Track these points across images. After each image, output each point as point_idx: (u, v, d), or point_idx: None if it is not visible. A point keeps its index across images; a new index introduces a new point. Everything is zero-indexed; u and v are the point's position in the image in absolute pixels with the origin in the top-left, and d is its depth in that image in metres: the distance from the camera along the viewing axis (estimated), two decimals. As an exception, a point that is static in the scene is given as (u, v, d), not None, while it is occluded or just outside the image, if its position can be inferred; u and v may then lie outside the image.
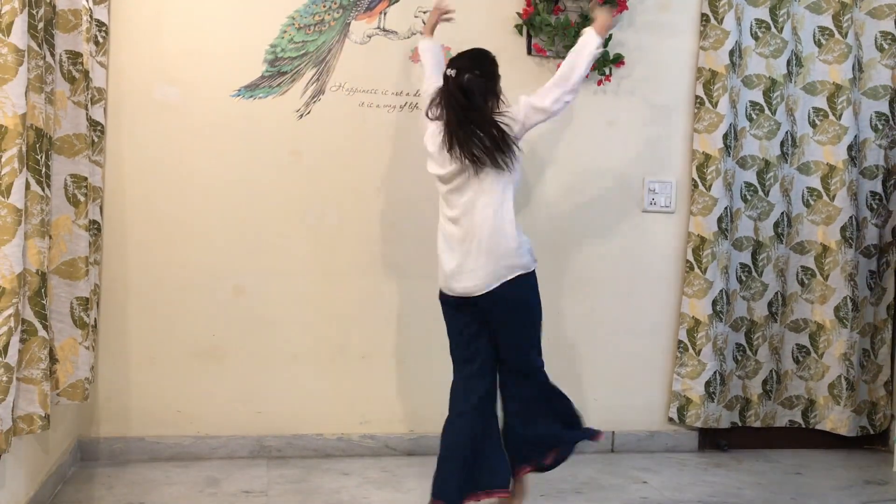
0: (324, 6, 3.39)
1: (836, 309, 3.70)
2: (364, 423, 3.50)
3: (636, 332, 3.69)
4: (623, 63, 3.55)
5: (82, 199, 2.71)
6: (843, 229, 3.68)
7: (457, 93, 2.68)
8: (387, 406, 3.50)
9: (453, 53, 3.44)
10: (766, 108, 3.68)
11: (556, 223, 3.61)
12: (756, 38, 3.66)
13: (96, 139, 3.07)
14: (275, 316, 3.40)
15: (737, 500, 3.11)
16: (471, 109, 2.67)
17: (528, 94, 2.74)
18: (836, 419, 3.73)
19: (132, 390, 3.32)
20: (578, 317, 3.64)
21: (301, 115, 3.39)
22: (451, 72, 2.71)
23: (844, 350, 3.69)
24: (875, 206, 3.76)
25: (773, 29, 3.66)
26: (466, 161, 2.64)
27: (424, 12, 3.44)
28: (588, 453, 3.63)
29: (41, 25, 2.34)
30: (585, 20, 3.45)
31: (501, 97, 2.77)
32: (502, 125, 2.66)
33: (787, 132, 3.72)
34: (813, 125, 3.73)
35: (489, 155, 2.63)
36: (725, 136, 3.60)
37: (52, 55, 2.51)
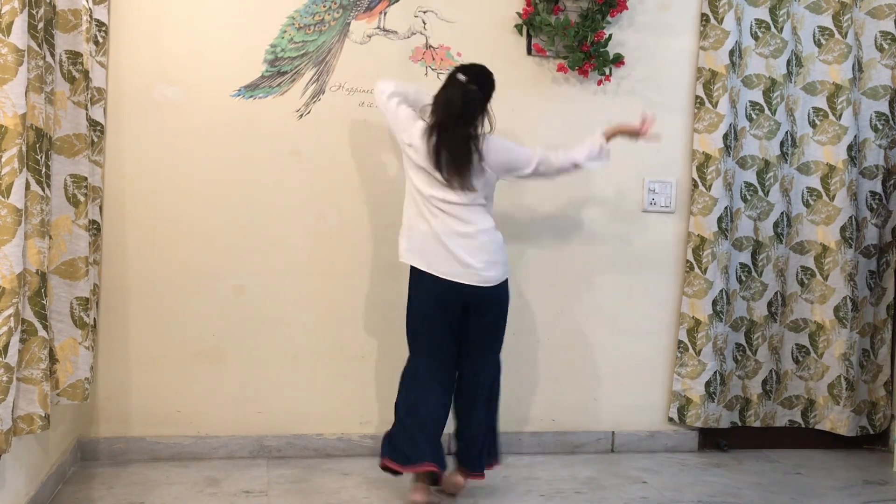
0: (324, 6, 3.39)
1: (836, 309, 3.70)
2: (364, 423, 3.50)
3: (636, 332, 3.69)
4: (623, 63, 3.55)
5: (82, 199, 2.71)
6: (842, 229, 3.68)
7: (459, 100, 2.86)
8: (387, 406, 3.48)
9: (453, 53, 3.47)
10: (766, 108, 3.68)
11: (555, 223, 3.61)
12: (756, 38, 3.66)
13: (96, 139, 3.08)
14: (275, 316, 3.40)
15: (737, 500, 3.11)
16: (463, 122, 2.85)
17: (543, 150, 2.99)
18: (836, 419, 3.73)
19: (132, 390, 3.32)
20: (578, 317, 3.64)
21: (301, 115, 3.39)
22: (464, 77, 2.87)
23: (844, 350, 3.69)
24: (875, 206, 3.76)
25: (773, 29, 3.66)
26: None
27: (424, 12, 3.44)
28: (588, 453, 3.63)
29: (41, 25, 2.34)
30: (585, 20, 3.46)
31: (488, 116, 2.93)
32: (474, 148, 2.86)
33: (786, 132, 3.72)
34: (813, 125, 3.73)
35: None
36: (725, 136, 3.60)
37: (52, 55, 2.51)
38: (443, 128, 2.84)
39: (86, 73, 2.74)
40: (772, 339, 3.76)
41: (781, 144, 3.71)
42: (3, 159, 2.11)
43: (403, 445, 2.86)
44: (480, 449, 2.96)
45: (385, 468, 2.92)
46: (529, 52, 3.52)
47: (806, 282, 3.76)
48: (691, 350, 3.65)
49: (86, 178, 2.73)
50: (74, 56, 2.65)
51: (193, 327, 3.34)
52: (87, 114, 2.76)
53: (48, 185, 2.42)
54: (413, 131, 2.89)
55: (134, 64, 3.26)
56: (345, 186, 3.43)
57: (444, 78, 3.46)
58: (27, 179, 2.26)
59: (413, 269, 2.91)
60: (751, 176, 3.70)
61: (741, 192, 3.70)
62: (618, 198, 3.65)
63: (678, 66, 3.66)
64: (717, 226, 3.61)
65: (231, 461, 3.35)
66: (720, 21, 3.58)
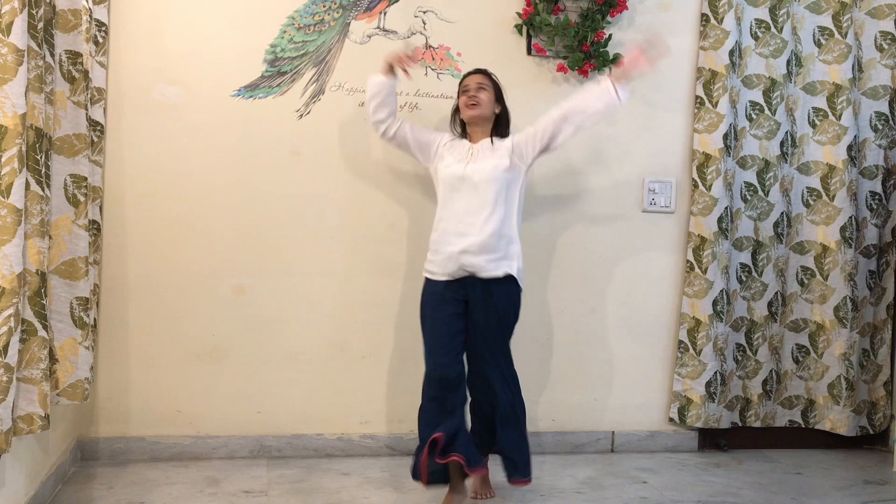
0: (324, 6, 3.39)
1: (836, 309, 3.70)
2: (364, 423, 3.50)
3: (636, 332, 3.69)
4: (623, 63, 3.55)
5: (82, 199, 2.71)
6: (842, 229, 3.68)
7: None
8: (387, 406, 3.50)
9: (453, 53, 3.47)
10: (765, 108, 3.68)
11: (555, 223, 3.61)
12: (756, 38, 3.66)
13: (96, 139, 3.08)
14: (275, 316, 3.40)
15: (737, 500, 3.11)
16: None
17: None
18: (836, 419, 3.73)
19: (132, 390, 3.32)
20: (578, 317, 3.64)
21: (301, 115, 3.39)
22: None
23: (844, 350, 3.69)
24: (875, 206, 3.76)
25: (773, 29, 3.66)
26: None
27: (424, 12, 3.45)
28: (588, 453, 3.63)
29: (41, 25, 2.34)
30: (585, 20, 3.46)
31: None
32: None
33: (786, 132, 3.72)
34: (813, 125, 3.73)
35: None
36: (725, 136, 3.60)
37: (52, 55, 2.51)
38: None
39: (86, 73, 2.74)
40: (772, 339, 3.76)
41: (781, 144, 3.71)
42: (3, 159, 2.11)
43: None
44: None
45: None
46: (529, 52, 3.52)
47: (806, 282, 3.76)
48: (692, 350, 3.65)
49: (86, 178, 2.73)
50: (74, 56, 2.65)
51: (193, 327, 3.35)
52: (87, 114, 2.76)
53: (48, 185, 2.42)
54: None
55: (134, 64, 3.26)
56: (345, 186, 3.43)
57: (444, 78, 3.48)
58: (27, 179, 2.26)
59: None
60: (751, 176, 3.70)
61: (741, 192, 3.70)
62: (618, 198, 3.65)
63: (678, 66, 3.66)
64: (718, 226, 3.61)
65: (231, 461, 3.35)
66: (720, 21, 3.58)
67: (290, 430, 3.44)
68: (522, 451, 2.89)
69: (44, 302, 2.38)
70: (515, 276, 2.87)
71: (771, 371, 3.77)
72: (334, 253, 3.43)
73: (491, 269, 2.83)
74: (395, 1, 3.43)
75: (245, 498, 2.95)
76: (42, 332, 2.38)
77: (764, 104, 3.68)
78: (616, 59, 3.52)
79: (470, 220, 2.84)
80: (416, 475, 2.84)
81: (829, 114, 3.70)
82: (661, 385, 3.73)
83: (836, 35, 3.69)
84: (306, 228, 3.41)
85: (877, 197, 3.76)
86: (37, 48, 2.29)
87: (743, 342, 3.75)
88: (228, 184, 3.35)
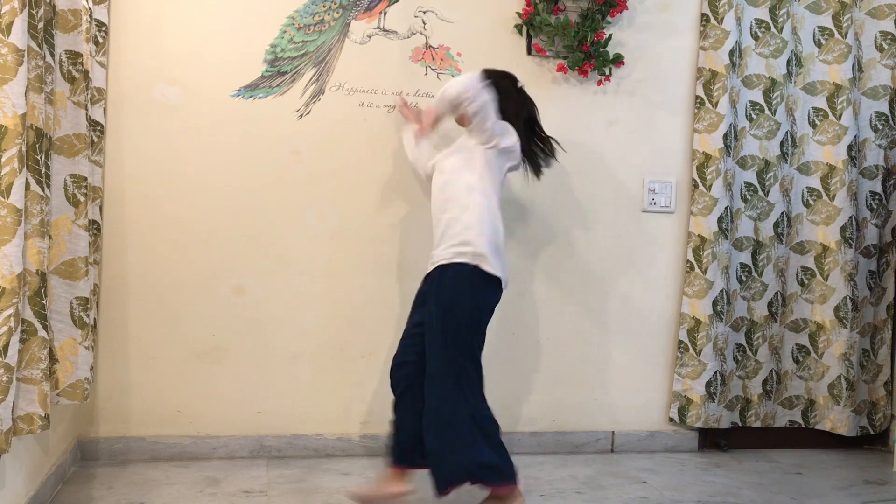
0: (324, 6, 3.39)
1: (836, 309, 3.70)
2: (364, 423, 3.50)
3: (636, 332, 3.69)
4: (623, 63, 3.56)
5: (82, 199, 2.71)
6: (842, 229, 3.68)
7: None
8: (387, 406, 3.47)
9: (453, 53, 3.47)
10: (766, 108, 3.68)
11: (555, 223, 3.61)
12: (756, 38, 3.66)
13: (96, 139, 3.08)
14: (275, 316, 3.40)
15: (737, 500, 3.11)
16: None
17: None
18: (836, 419, 3.73)
19: (132, 390, 3.32)
20: (578, 317, 3.64)
21: (301, 115, 3.40)
22: (521, 85, 3.03)
23: (844, 350, 3.69)
24: (875, 206, 3.77)
25: (773, 29, 3.66)
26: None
27: (424, 12, 3.45)
28: (588, 453, 3.63)
29: (41, 25, 2.34)
30: (585, 20, 3.46)
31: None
32: None
33: (786, 132, 3.72)
34: (813, 125, 3.74)
35: None
36: (725, 136, 3.60)
37: (52, 55, 2.51)
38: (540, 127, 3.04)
39: (86, 73, 2.74)
40: (772, 340, 3.76)
41: (781, 144, 3.71)
42: (3, 159, 2.10)
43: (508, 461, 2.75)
44: None
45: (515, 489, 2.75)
46: (529, 52, 3.52)
47: (806, 282, 3.76)
48: (692, 350, 3.65)
49: (86, 178, 2.73)
50: (74, 56, 2.65)
51: (193, 327, 3.35)
52: (87, 114, 2.76)
53: (48, 185, 2.42)
54: (515, 134, 2.88)
55: (134, 64, 3.26)
56: (345, 186, 3.43)
57: (444, 78, 3.48)
58: (27, 179, 2.26)
59: (492, 278, 2.73)
60: (751, 176, 3.71)
61: (741, 192, 3.70)
62: (618, 198, 3.65)
63: (678, 66, 3.66)
64: (718, 226, 3.61)
65: (231, 461, 3.35)
66: (720, 21, 3.58)
67: (289, 430, 3.44)
68: (439, 464, 2.68)
69: (44, 302, 2.38)
70: (467, 262, 2.70)
71: (771, 371, 3.77)
72: (334, 253, 3.44)
73: (439, 259, 2.77)
74: (395, 1, 3.43)
75: (245, 498, 2.95)
76: (42, 332, 2.38)
77: (764, 104, 3.68)
78: (616, 60, 3.52)
79: (437, 216, 2.86)
80: None
81: (829, 114, 3.71)
82: (661, 385, 3.73)
83: (836, 35, 3.69)
84: (306, 228, 3.41)
85: (877, 197, 3.76)
86: (37, 48, 2.29)
87: (743, 342, 3.75)
88: (228, 184, 3.35)
